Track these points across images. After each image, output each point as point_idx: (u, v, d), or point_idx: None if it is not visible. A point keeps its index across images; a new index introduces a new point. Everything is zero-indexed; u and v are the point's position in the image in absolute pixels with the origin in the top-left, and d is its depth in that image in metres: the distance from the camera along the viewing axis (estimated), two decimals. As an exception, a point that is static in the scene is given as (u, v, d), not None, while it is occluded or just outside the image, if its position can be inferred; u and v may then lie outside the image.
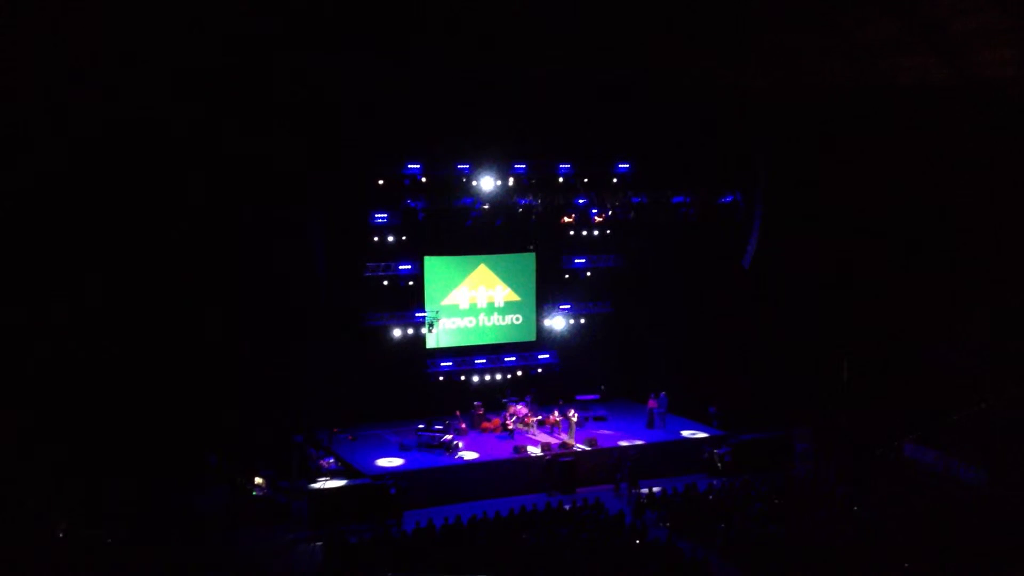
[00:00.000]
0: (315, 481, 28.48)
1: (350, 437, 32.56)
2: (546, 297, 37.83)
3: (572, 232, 36.65)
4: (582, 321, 38.16)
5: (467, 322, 36.93)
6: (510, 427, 33.52)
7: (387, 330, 35.00)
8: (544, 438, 32.78)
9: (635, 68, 30.61)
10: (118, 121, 27.48)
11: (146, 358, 29.63)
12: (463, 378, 36.24)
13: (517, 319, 37.75)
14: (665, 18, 27.24)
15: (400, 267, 34.84)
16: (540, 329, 37.91)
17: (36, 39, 23.30)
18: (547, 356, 37.71)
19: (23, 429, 27.07)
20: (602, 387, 38.37)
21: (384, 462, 30.60)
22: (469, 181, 33.20)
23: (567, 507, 27.55)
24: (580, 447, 31.78)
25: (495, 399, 35.50)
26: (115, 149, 28.00)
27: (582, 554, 23.73)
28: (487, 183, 33.17)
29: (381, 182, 32.65)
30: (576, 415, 33.10)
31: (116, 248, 29.09)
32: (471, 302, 36.86)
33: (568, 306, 37.72)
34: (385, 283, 34.72)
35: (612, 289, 38.70)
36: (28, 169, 26.83)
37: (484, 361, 36.67)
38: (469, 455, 31.35)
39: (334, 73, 29.35)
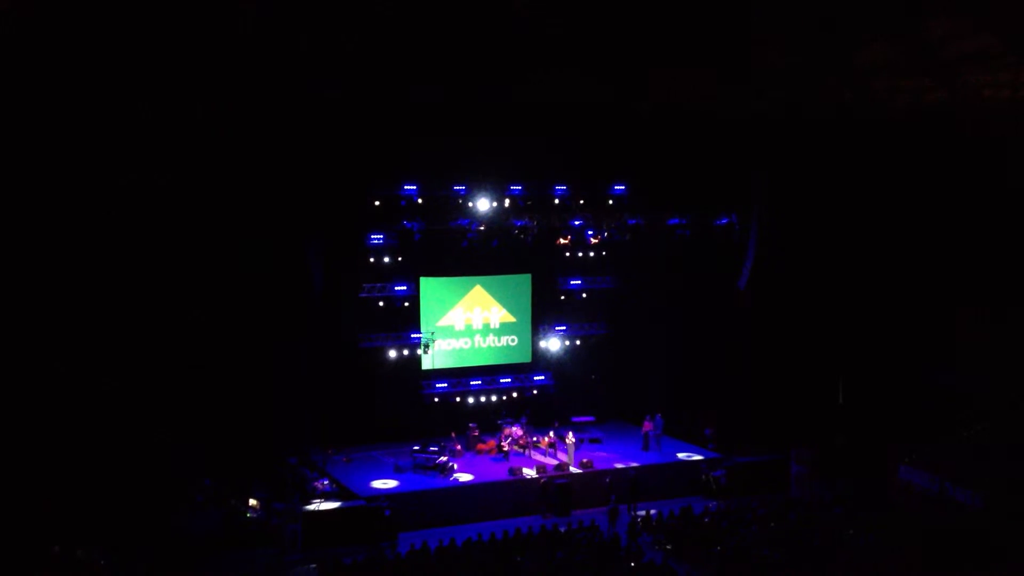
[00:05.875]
0: (309, 503, 28.36)
1: (345, 458, 32.44)
2: (542, 318, 37.80)
3: (568, 253, 36.64)
4: (578, 342, 38.15)
5: (463, 343, 36.87)
6: (505, 449, 33.41)
7: (383, 351, 34.97)
8: (540, 460, 32.69)
9: (634, 89, 30.67)
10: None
11: (141, 379, 29.54)
12: (458, 399, 36.17)
13: (513, 340, 37.69)
14: (665, 38, 27.29)
15: (396, 288, 34.82)
16: (536, 350, 37.85)
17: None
18: (542, 377, 37.66)
19: (17, 449, 27.01)
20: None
21: (379, 484, 30.49)
22: (465, 202, 33.27)
23: (562, 529, 27.43)
24: (575, 469, 31.69)
25: (490, 420, 35.44)
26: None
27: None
28: (483, 204, 33.24)
29: (377, 203, 32.69)
30: (574, 437, 32.99)
31: (113, 271, 29.08)
32: (467, 323, 36.81)
33: (564, 327, 37.69)
34: (381, 304, 34.70)
35: (608, 310, 38.68)
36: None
37: (479, 382, 36.62)
38: (464, 477, 31.23)
39: (332, 93, 29.42)
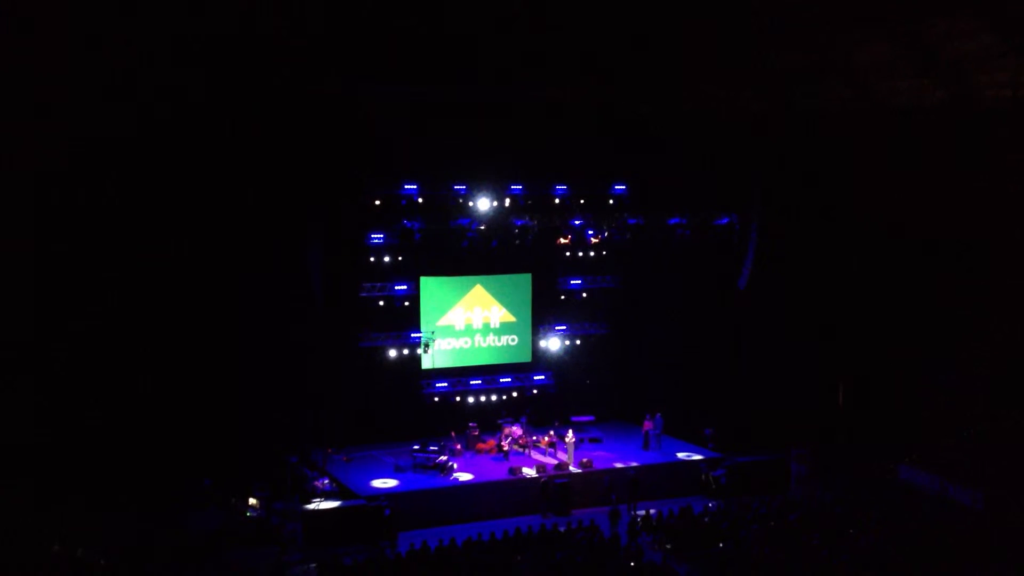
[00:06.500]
0: (309, 502, 28.37)
1: (345, 458, 32.44)
2: (542, 318, 37.79)
3: (568, 253, 36.62)
4: (578, 342, 38.16)
5: (463, 343, 36.87)
6: (505, 448, 33.41)
7: (383, 350, 34.97)
8: (540, 459, 32.69)
9: (635, 90, 30.71)
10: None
11: (142, 379, 29.56)
12: (458, 399, 36.17)
13: (513, 340, 37.69)
14: (665, 38, 27.33)
15: (396, 287, 34.85)
16: (536, 350, 37.86)
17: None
18: (542, 377, 37.66)
19: (20, 448, 27.02)
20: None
21: (379, 483, 30.48)
22: (466, 202, 33.23)
23: (562, 529, 27.43)
24: (575, 469, 31.70)
25: (490, 420, 35.42)
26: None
27: (577, 576, 23.66)
28: (483, 204, 33.22)
29: (378, 202, 32.70)
30: (573, 437, 33.00)
31: (111, 273, 29.05)
32: (467, 323, 36.80)
33: (564, 327, 37.71)
34: (381, 303, 34.72)
35: (608, 310, 38.69)
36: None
37: (479, 382, 36.61)
38: (464, 476, 31.23)
39: (335, 93, 29.45)
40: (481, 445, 34.12)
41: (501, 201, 33.57)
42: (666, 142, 33.50)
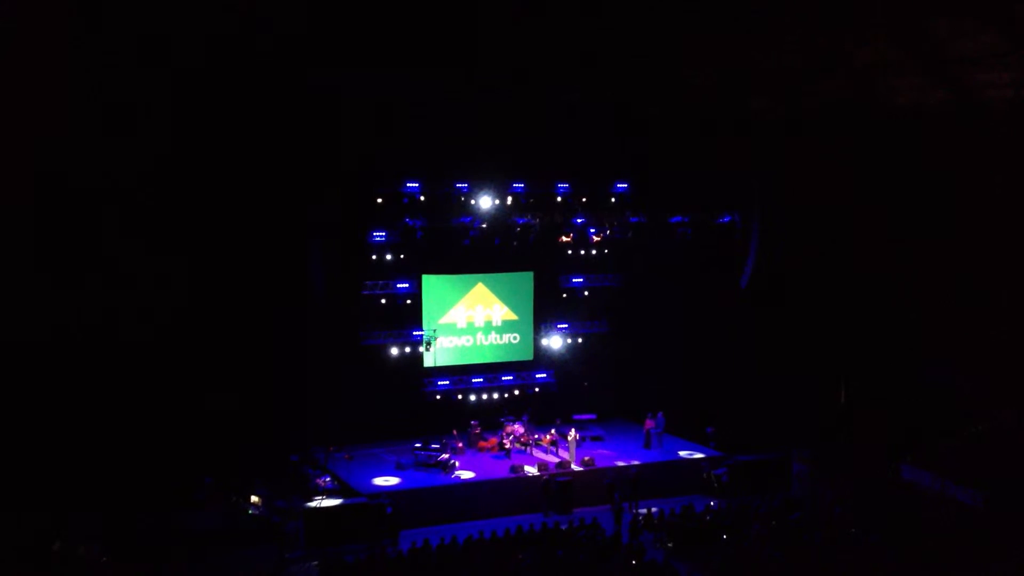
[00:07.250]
0: (311, 500, 28.40)
1: (346, 456, 32.44)
2: (544, 316, 37.83)
3: (570, 251, 36.68)
4: (579, 340, 38.19)
5: (464, 341, 36.90)
6: (507, 446, 33.46)
7: (384, 348, 35.02)
8: (541, 457, 32.71)
9: (635, 88, 30.65)
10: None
11: (142, 378, 29.54)
12: (460, 397, 36.22)
13: (515, 338, 37.72)
14: (666, 37, 27.27)
15: (398, 285, 34.92)
16: (537, 348, 37.89)
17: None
18: (544, 375, 37.69)
19: (21, 445, 27.02)
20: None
21: (380, 481, 30.54)
22: (468, 200, 33.31)
23: (564, 527, 27.46)
24: (577, 467, 31.73)
25: (492, 418, 35.46)
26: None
27: (578, 575, 23.65)
28: (485, 202, 33.28)
29: (380, 200, 32.73)
30: (575, 435, 33.02)
31: (112, 270, 29.02)
32: (469, 321, 36.84)
33: (566, 325, 37.74)
34: (383, 301, 34.80)
35: (610, 309, 38.72)
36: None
37: (481, 380, 36.66)
38: (466, 474, 31.27)
39: (335, 90, 29.39)
40: (483, 443, 34.16)
41: (503, 199, 33.64)
42: (668, 140, 33.45)
